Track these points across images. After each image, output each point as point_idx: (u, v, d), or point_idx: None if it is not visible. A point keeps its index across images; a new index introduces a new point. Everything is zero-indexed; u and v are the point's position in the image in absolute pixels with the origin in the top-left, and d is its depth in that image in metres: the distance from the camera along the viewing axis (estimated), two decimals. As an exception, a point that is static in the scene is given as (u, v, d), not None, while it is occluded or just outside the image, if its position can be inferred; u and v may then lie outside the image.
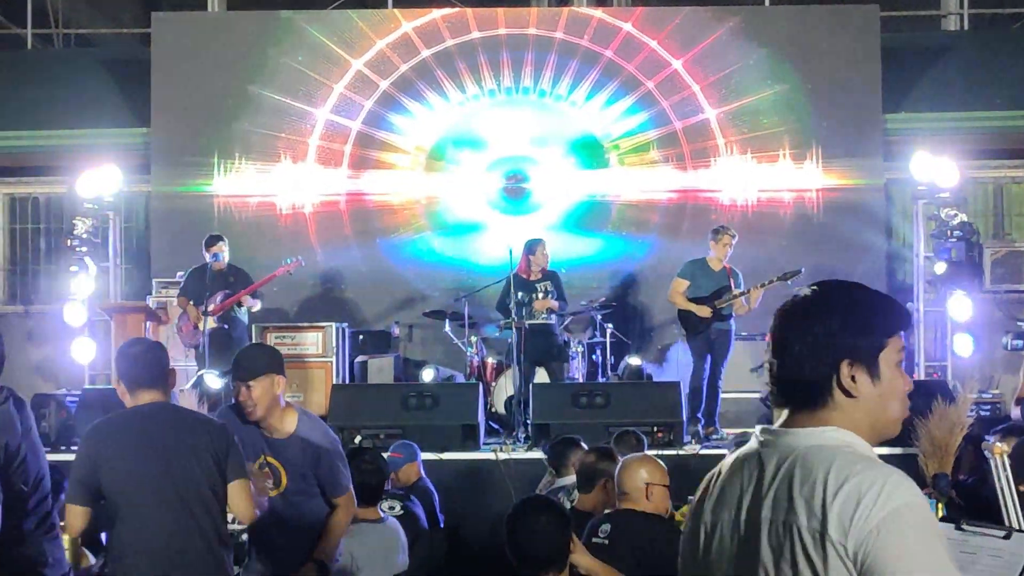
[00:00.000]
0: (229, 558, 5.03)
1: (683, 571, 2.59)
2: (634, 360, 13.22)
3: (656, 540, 5.67)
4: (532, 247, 12.10)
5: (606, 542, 5.65)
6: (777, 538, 2.32)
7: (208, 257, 11.95)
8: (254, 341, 12.30)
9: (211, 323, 11.64)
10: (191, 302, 11.92)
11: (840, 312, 2.44)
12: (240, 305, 11.93)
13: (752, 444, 2.52)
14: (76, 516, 4.87)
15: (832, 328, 2.42)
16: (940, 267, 13.49)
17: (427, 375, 13.09)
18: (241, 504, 4.98)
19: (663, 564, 5.62)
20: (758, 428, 2.53)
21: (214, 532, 4.92)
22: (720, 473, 2.55)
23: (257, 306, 12.06)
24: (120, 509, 4.84)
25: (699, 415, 11.39)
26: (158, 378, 5.11)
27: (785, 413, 2.47)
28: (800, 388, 2.44)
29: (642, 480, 5.82)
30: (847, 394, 2.42)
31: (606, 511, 5.99)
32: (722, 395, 11.72)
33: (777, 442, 2.44)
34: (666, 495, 5.94)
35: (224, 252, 12.05)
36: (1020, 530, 4.60)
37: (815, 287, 2.52)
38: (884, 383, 2.43)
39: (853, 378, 2.42)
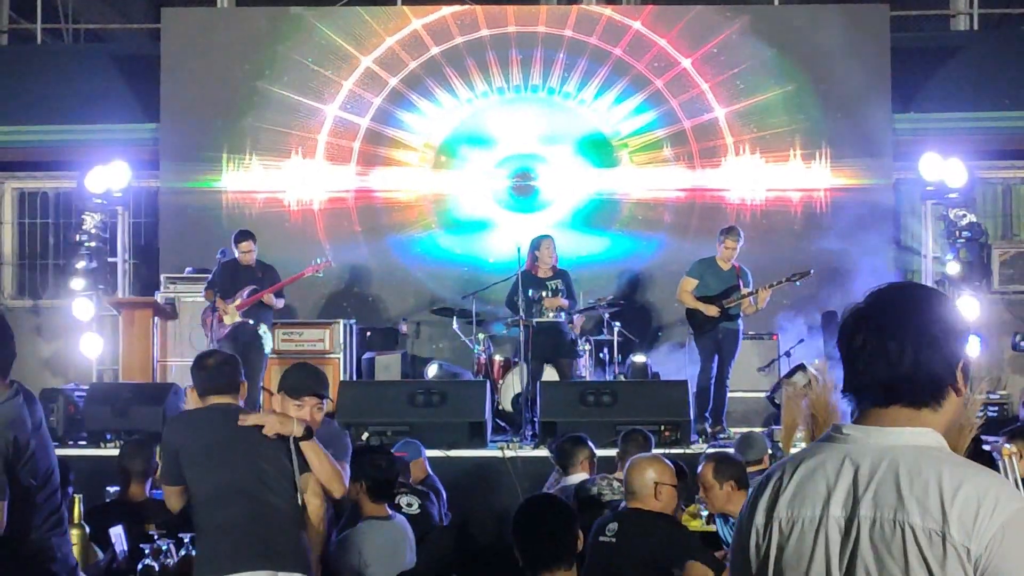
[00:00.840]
0: (305, 539, 5.19)
1: (739, 570, 2.56)
2: (639, 358, 13.21)
3: (663, 540, 5.68)
4: (537, 244, 12.09)
5: (613, 540, 5.66)
6: (882, 535, 2.31)
7: (237, 252, 11.91)
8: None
9: (236, 317, 11.62)
10: (218, 295, 11.85)
11: (949, 315, 2.47)
12: (263, 303, 11.86)
13: (829, 441, 2.49)
14: (173, 495, 5.24)
15: (948, 329, 2.44)
16: (952, 267, 13.49)
17: (432, 371, 13.10)
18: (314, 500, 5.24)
19: (670, 563, 5.64)
20: (838, 426, 2.50)
21: (292, 515, 5.13)
22: (790, 470, 2.52)
23: (280, 304, 12.01)
24: (203, 496, 5.11)
25: (707, 414, 11.39)
26: (229, 387, 5.39)
27: (873, 411, 2.46)
28: (923, 386, 2.43)
29: (651, 479, 5.83)
30: (955, 396, 2.45)
31: (618, 509, 6.00)
32: (729, 394, 11.72)
33: (867, 439, 2.43)
34: (674, 495, 5.96)
35: (254, 248, 11.95)
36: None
37: (909, 285, 2.56)
38: (963, 391, 2.48)
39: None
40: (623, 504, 6.02)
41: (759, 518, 2.50)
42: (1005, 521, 2.23)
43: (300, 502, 5.17)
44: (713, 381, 11.49)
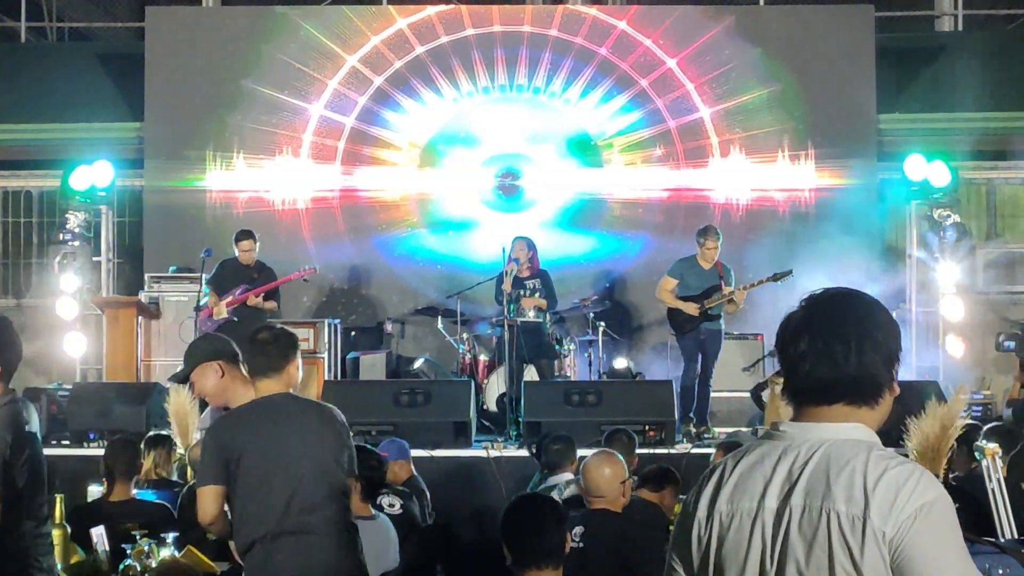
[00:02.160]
0: (358, 537, 5.08)
1: (681, 562, 2.63)
2: (620, 363, 13.22)
3: (631, 540, 5.64)
4: (511, 245, 12.02)
5: (581, 545, 5.56)
6: (810, 523, 2.42)
7: (236, 251, 11.90)
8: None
9: (223, 314, 11.61)
10: (214, 292, 11.86)
11: (887, 319, 2.62)
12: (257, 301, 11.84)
13: (768, 439, 2.59)
14: (211, 497, 4.84)
15: (887, 333, 2.59)
16: (936, 267, 13.52)
17: (418, 363, 13.07)
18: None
19: (641, 563, 5.60)
20: (776, 423, 2.62)
21: (342, 512, 4.98)
22: (731, 465, 2.62)
23: (272, 306, 11.98)
24: (253, 495, 4.86)
25: (691, 414, 11.39)
26: (282, 368, 5.06)
27: (813, 410, 2.58)
28: (865, 385, 2.56)
29: (616, 478, 5.79)
30: (890, 396, 2.61)
31: (581, 512, 5.92)
32: (714, 394, 11.72)
33: (804, 435, 2.55)
34: (630, 486, 5.96)
35: (253, 248, 11.93)
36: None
37: (847, 291, 2.67)
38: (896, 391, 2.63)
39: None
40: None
41: (701, 511, 2.63)
42: (919, 506, 2.36)
43: (349, 498, 5.08)
44: (696, 381, 11.49)
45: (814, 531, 2.41)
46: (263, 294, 11.82)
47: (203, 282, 11.97)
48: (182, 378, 5.50)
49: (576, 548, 5.52)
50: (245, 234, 11.98)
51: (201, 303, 11.91)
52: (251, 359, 5.11)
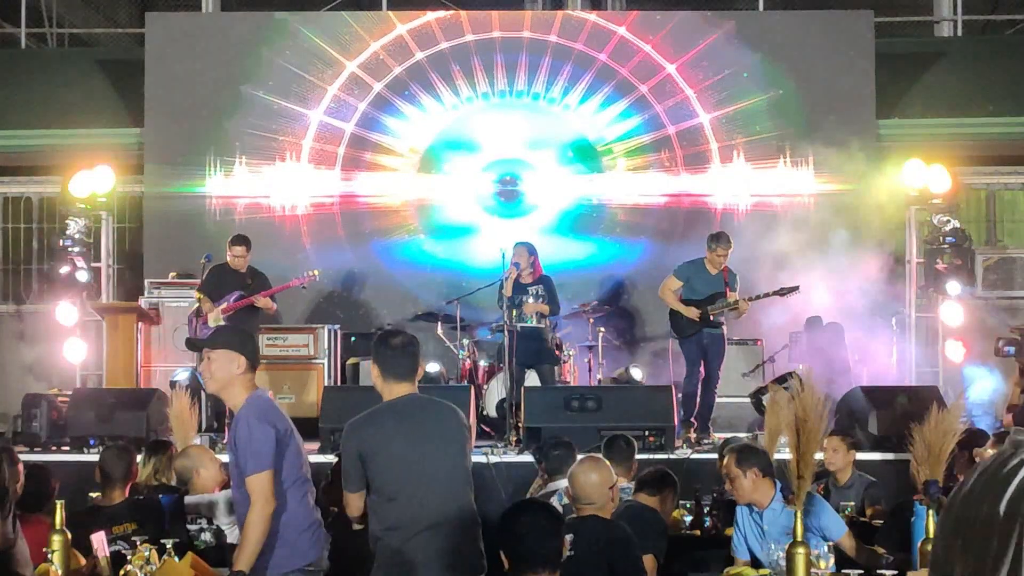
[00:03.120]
0: (479, 528, 5.41)
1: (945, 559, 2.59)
2: (619, 372, 13.22)
3: (622, 545, 5.62)
4: (512, 250, 11.97)
5: (571, 552, 5.52)
6: None
7: (229, 255, 11.87)
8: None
9: (220, 321, 11.59)
10: (208, 298, 11.82)
11: None
12: (252, 308, 11.81)
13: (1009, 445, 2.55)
14: (357, 500, 5.33)
15: None
16: (936, 273, 13.53)
17: (431, 367, 12.93)
18: None
19: (630, 569, 5.58)
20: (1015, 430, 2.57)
21: (471, 507, 5.40)
22: (982, 470, 2.56)
23: (274, 307, 11.95)
24: (392, 494, 5.24)
25: (692, 419, 11.37)
26: (413, 371, 5.50)
27: None
28: None
29: (605, 484, 5.75)
30: None
31: (570, 519, 5.88)
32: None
33: None
34: (618, 492, 5.94)
35: (246, 254, 11.89)
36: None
37: None
38: None
39: None
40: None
41: (961, 511, 2.54)
42: None
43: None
44: (699, 387, 11.47)
45: None
46: (267, 300, 11.79)
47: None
48: (204, 346, 5.58)
49: (568, 556, 5.51)
50: (241, 239, 11.94)
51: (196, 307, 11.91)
52: (389, 363, 5.45)
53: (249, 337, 5.87)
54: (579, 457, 6.37)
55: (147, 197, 14.92)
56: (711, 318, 11.31)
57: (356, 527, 5.69)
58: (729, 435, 10.89)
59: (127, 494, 6.86)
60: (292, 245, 14.42)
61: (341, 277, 14.66)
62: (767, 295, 11.39)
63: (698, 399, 11.46)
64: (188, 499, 7.19)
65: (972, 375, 12.88)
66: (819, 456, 8.16)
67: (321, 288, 14.41)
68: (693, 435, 11.23)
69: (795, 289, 11.34)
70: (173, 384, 11.92)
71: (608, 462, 6.00)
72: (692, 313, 11.34)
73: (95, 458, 9.08)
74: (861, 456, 9.06)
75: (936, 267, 13.69)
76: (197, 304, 11.82)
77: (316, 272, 12.18)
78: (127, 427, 10.72)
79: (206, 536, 6.88)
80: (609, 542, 5.62)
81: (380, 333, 5.75)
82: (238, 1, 16.96)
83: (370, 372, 5.59)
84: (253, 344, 5.69)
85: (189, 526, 6.95)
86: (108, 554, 5.89)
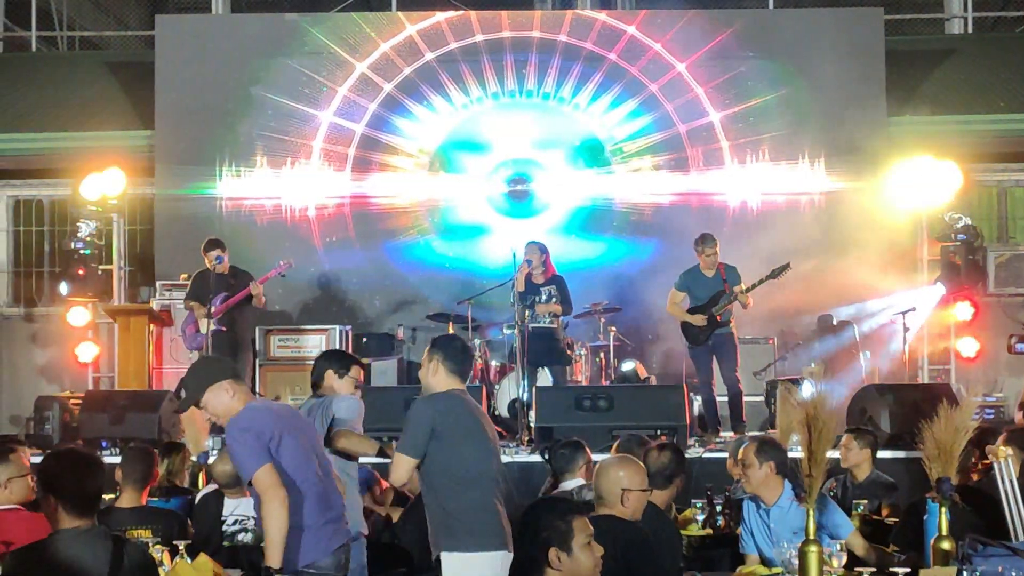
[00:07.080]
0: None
1: None
2: (627, 366, 13.19)
3: (632, 546, 5.55)
4: (523, 249, 11.96)
5: None
6: None
7: (207, 262, 11.84)
8: (255, 342, 12.33)
9: (212, 325, 11.59)
10: (197, 305, 11.82)
11: None
12: (250, 301, 11.82)
13: None
14: (407, 466, 5.62)
15: None
16: (947, 270, 13.51)
17: None
18: None
19: (639, 571, 5.53)
20: None
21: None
22: None
23: (263, 300, 11.94)
24: (460, 474, 5.60)
25: (743, 419, 11.37)
26: (471, 371, 6.12)
27: None
28: None
29: (619, 486, 5.67)
30: None
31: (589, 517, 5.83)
32: (721, 398, 11.63)
33: None
34: (642, 500, 5.75)
35: (224, 256, 11.87)
36: None
37: None
38: None
39: None
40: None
41: None
42: None
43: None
44: (715, 389, 11.47)
45: None
46: (261, 288, 11.79)
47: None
48: (191, 404, 5.61)
49: None
50: (214, 243, 11.88)
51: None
52: (459, 360, 5.83)
53: (210, 361, 6.06)
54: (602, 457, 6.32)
55: (158, 199, 14.93)
56: (718, 318, 11.31)
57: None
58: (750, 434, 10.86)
59: (144, 500, 6.79)
60: (303, 246, 14.41)
61: (352, 278, 14.67)
62: (761, 281, 11.33)
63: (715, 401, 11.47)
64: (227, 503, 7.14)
65: None
66: (835, 454, 8.15)
67: (332, 289, 14.46)
68: (728, 434, 11.22)
69: (786, 267, 11.26)
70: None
71: (641, 465, 5.91)
72: (699, 320, 11.34)
73: (109, 461, 9.08)
74: (872, 454, 9.03)
75: (948, 264, 13.65)
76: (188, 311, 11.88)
77: (290, 260, 12.12)
78: (139, 429, 10.73)
79: (246, 537, 6.84)
80: (626, 543, 5.53)
81: (446, 335, 6.42)
82: (248, 3, 16.98)
83: (424, 362, 5.87)
84: (219, 363, 5.84)
85: (227, 527, 6.93)
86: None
